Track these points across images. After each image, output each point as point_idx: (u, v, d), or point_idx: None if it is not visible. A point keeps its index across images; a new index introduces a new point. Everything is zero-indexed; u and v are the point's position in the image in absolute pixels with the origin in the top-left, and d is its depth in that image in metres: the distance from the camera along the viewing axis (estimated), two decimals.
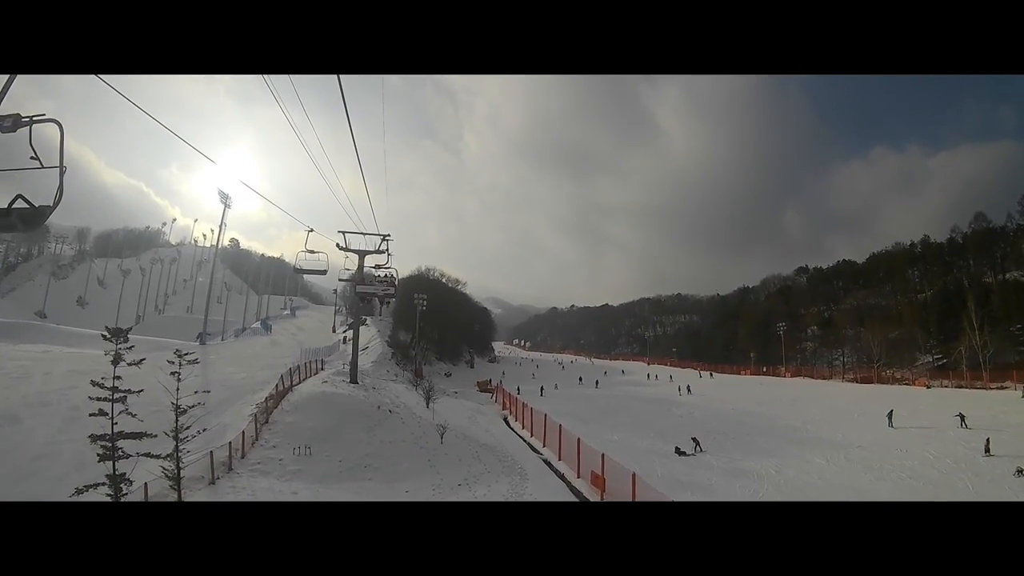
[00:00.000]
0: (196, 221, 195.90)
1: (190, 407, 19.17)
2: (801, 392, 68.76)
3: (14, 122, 6.19)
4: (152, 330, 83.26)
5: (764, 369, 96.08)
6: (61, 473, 21.59)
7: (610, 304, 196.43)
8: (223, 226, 74.12)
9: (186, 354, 19.65)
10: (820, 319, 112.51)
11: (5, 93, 6.18)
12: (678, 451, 35.96)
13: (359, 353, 44.65)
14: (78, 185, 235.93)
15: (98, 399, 17.26)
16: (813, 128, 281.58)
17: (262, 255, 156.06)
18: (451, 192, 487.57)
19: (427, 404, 39.94)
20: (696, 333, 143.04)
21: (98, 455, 17.22)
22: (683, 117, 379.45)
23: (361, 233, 40.67)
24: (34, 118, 6.19)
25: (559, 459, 29.90)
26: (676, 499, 18.49)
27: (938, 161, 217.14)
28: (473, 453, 31.05)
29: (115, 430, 17.18)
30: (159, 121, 12.45)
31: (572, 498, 23.88)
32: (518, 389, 64.31)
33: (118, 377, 17.60)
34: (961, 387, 64.92)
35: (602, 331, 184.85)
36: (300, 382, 37.92)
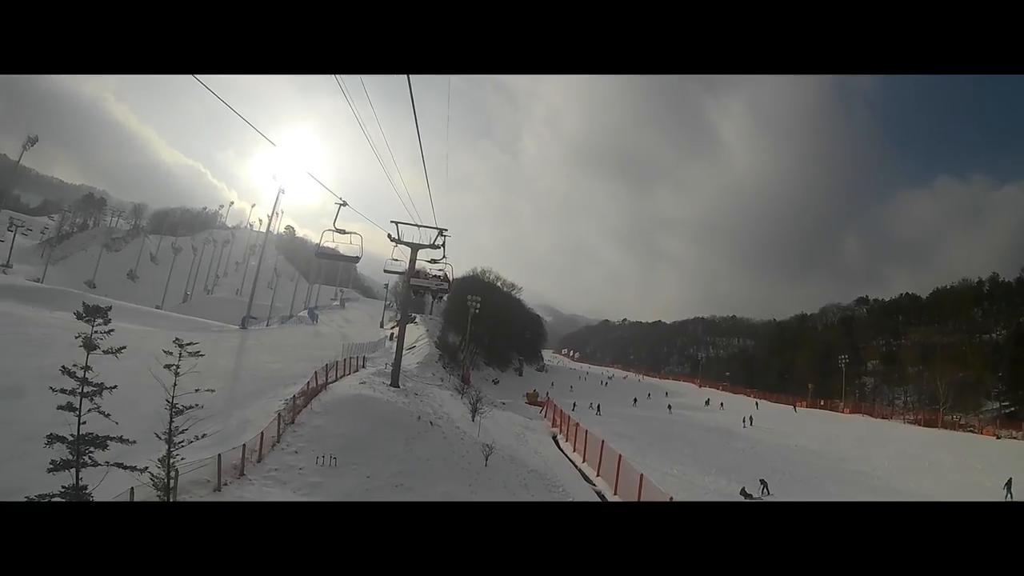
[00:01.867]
0: (254, 206, 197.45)
1: (187, 408, 15.68)
2: (865, 432, 64.96)
3: None
4: (199, 309, 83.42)
5: (821, 402, 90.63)
6: (47, 460, 18.48)
7: (663, 321, 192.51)
8: (280, 213, 72.59)
9: (188, 343, 16.05)
10: (882, 354, 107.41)
11: None
12: (744, 494, 32.58)
13: (405, 352, 41.96)
14: (137, 161, 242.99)
15: (63, 391, 14.02)
16: (877, 152, 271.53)
17: (317, 244, 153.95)
18: (507, 194, 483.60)
19: (473, 417, 36.44)
20: (751, 359, 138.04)
21: (52, 463, 13.93)
22: (745, 131, 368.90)
23: (415, 225, 37.47)
24: None
25: (614, 493, 26.77)
26: None
27: (1004, 194, 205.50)
28: (520, 480, 27.51)
29: (92, 433, 13.96)
30: (226, 103, 12.91)
31: None
32: (573, 406, 60.70)
33: (88, 367, 14.27)
34: None
35: (653, 348, 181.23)
36: (336, 380, 34.53)
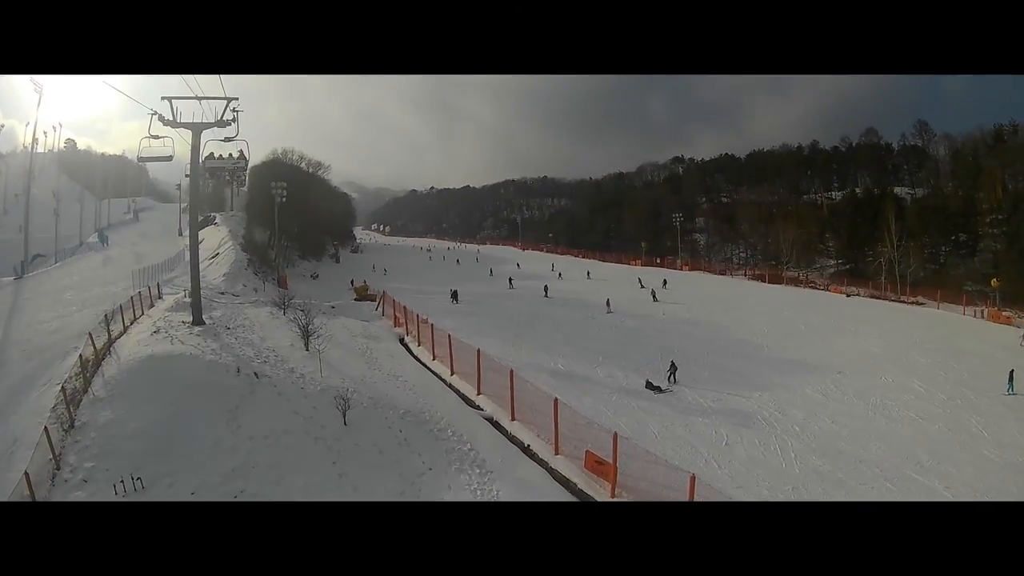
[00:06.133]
0: (28, 124, 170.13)
1: None
2: (720, 291, 67.43)
3: None
4: None
5: (657, 260, 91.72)
6: None
7: (472, 186, 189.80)
8: (57, 127, 60.45)
9: None
10: (709, 212, 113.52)
11: None
12: (650, 386, 29.31)
13: (207, 262, 34.90)
14: None
15: None
16: None
17: (102, 154, 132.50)
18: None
19: (306, 346, 28.43)
20: (572, 219, 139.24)
21: None
22: None
23: (195, 98, 29.05)
24: None
25: (511, 419, 22.12)
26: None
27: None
28: (395, 434, 21.09)
29: None
30: None
31: (571, 499, 17.92)
32: (456, 294, 55.63)
33: None
34: (876, 297, 66.25)
35: (466, 214, 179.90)
36: (123, 332, 26.08)
